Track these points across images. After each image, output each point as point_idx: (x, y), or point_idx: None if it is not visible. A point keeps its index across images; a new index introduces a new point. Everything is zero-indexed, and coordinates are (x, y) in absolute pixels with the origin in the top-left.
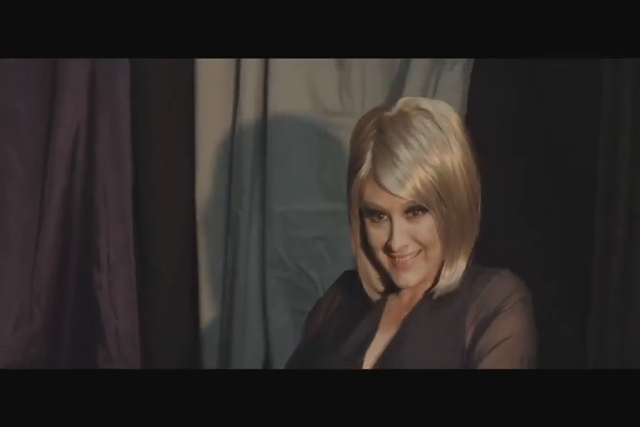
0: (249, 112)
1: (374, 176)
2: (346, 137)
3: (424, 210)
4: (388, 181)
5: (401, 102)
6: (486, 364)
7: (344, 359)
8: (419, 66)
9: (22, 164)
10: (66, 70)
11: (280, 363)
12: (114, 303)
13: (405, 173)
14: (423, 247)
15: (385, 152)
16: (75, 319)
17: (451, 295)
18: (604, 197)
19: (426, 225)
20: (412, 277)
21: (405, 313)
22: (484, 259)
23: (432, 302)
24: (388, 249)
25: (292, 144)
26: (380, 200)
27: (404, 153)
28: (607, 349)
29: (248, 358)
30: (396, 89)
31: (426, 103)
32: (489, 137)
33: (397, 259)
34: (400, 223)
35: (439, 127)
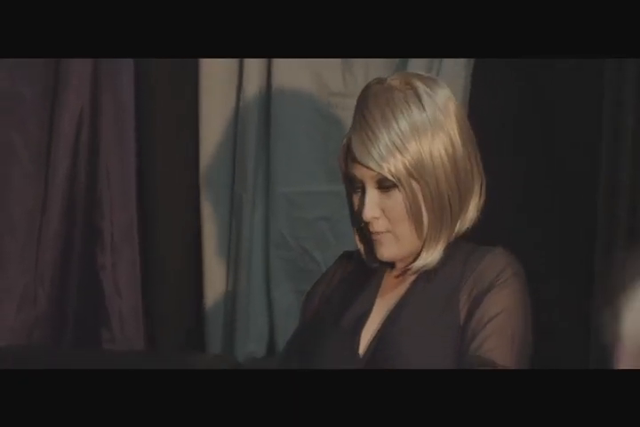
0: (252, 94)
1: (351, 147)
2: (348, 118)
3: (394, 185)
4: (362, 155)
5: (395, 75)
6: (479, 339)
7: (341, 337)
8: None
9: (27, 149)
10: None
11: (284, 343)
12: (117, 284)
13: (380, 154)
14: (391, 225)
15: (363, 125)
16: (79, 300)
17: (445, 273)
18: (605, 197)
19: (397, 200)
20: (385, 252)
21: (400, 289)
22: None
23: (427, 280)
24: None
25: (296, 125)
26: (354, 169)
27: (381, 133)
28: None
29: (252, 339)
30: (400, 69)
31: (418, 80)
32: (489, 137)
33: (371, 234)
34: (372, 194)
35: (423, 107)
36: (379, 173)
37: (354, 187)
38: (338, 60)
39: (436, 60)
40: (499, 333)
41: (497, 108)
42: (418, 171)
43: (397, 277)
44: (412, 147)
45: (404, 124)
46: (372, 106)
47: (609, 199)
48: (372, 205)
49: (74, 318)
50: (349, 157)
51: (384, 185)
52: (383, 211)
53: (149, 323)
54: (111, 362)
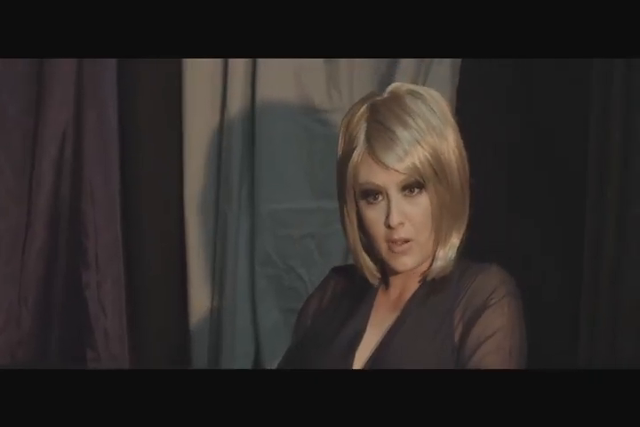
0: (236, 110)
1: (371, 154)
2: (334, 134)
3: (420, 187)
4: (387, 156)
5: (392, 86)
6: (476, 359)
7: (335, 357)
8: (408, 59)
9: (10, 165)
10: (53, 70)
11: (270, 361)
12: (102, 303)
13: (404, 149)
14: (415, 234)
15: (381, 130)
16: (63, 320)
17: (442, 288)
18: (593, 196)
19: (421, 206)
20: (409, 260)
21: (395, 308)
22: (474, 256)
23: (421, 300)
24: (385, 231)
25: (280, 142)
26: (376, 178)
27: (401, 131)
28: (598, 349)
29: (238, 356)
30: (385, 83)
31: (417, 87)
32: (478, 134)
33: (393, 244)
34: (397, 199)
35: (432, 110)
36: (405, 177)
37: (368, 199)
38: (323, 77)
39: (423, 68)
40: (496, 351)
41: (485, 106)
42: (440, 167)
43: (391, 296)
44: (431, 141)
45: (419, 121)
46: (385, 112)
47: (597, 198)
48: (399, 211)
49: (58, 337)
50: (364, 168)
51: (411, 188)
52: (407, 217)
53: (134, 341)
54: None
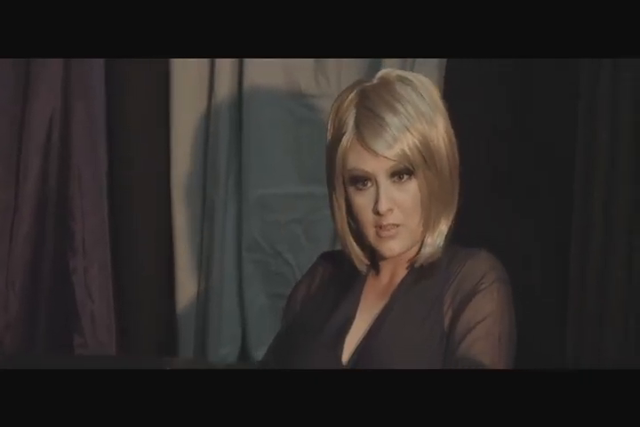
0: (224, 96)
1: (360, 140)
2: (321, 119)
3: (409, 174)
4: (376, 143)
5: (381, 72)
6: (465, 345)
7: (324, 344)
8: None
9: None
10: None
11: (256, 347)
12: (89, 289)
13: (393, 136)
14: (404, 219)
15: (370, 116)
16: (51, 305)
17: (431, 275)
18: (580, 195)
19: (410, 192)
20: (397, 246)
21: (384, 294)
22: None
23: (410, 287)
24: (373, 217)
25: (268, 127)
26: (365, 164)
27: (390, 118)
28: (585, 349)
29: (224, 341)
30: (373, 69)
31: (406, 73)
32: (465, 133)
33: (382, 229)
34: (386, 186)
35: (422, 96)
36: (395, 164)
37: (357, 185)
38: (310, 62)
39: (409, 62)
40: (485, 337)
41: (470, 108)
42: (429, 153)
43: (381, 282)
44: (420, 128)
45: (409, 108)
46: (375, 98)
47: (584, 196)
48: (387, 197)
49: (46, 322)
50: (353, 154)
51: (400, 174)
52: (396, 204)
53: (121, 327)
54: (83, 365)
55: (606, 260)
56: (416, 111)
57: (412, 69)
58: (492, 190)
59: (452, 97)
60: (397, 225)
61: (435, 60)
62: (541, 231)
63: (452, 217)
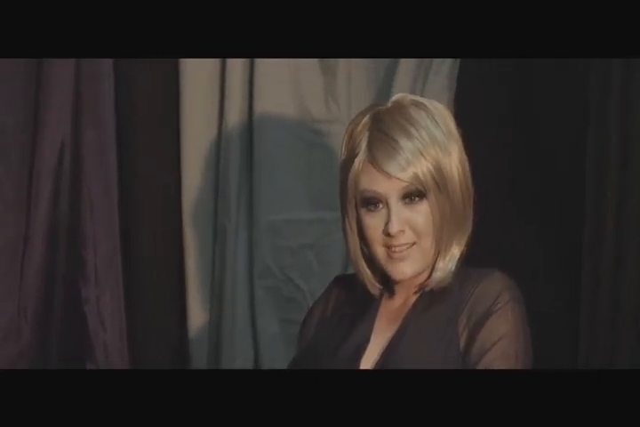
0: (234, 121)
1: (373, 162)
2: (332, 144)
3: (421, 196)
4: (389, 164)
5: (395, 96)
6: (481, 367)
7: (339, 367)
8: (404, 69)
9: (9, 178)
10: (50, 80)
11: None
12: (102, 317)
13: (407, 159)
14: (417, 238)
15: (384, 139)
16: (63, 333)
17: (443, 299)
18: (592, 197)
19: (422, 212)
20: (408, 268)
21: (398, 318)
22: (474, 259)
23: (421, 311)
24: (384, 238)
25: (278, 153)
26: (377, 186)
27: (404, 142)
28: (597, 349)
29: (237, 368)
30: (383, 94)
31: (421, 99)
32: (476, 138)
33: (393, 249)
34: (397, 207)
35: (436, 123)
36: (407, 185)
37: (369, 207)
38: (320, 88)
39: (420, 79)
40: (502, 357)
41: (484, 107)
42: (442, 180)
43: (395, 304)
44: (434, 154)
45: (423, 133)
46: (388, 121)
47: (596, 198)
48: (399, 218)
49: (57, 351)
50: (365, 176)
51: (411, 196)
52: (408, 224)
53: (134, 355)
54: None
55: (619, 262)
56: (430, 137)
57: (423, 89)
58: (502, 195)
59: (462, 105)
60: (410, 244)
61: (445, 81)
62: (554, 233)
63: (464, 241)
